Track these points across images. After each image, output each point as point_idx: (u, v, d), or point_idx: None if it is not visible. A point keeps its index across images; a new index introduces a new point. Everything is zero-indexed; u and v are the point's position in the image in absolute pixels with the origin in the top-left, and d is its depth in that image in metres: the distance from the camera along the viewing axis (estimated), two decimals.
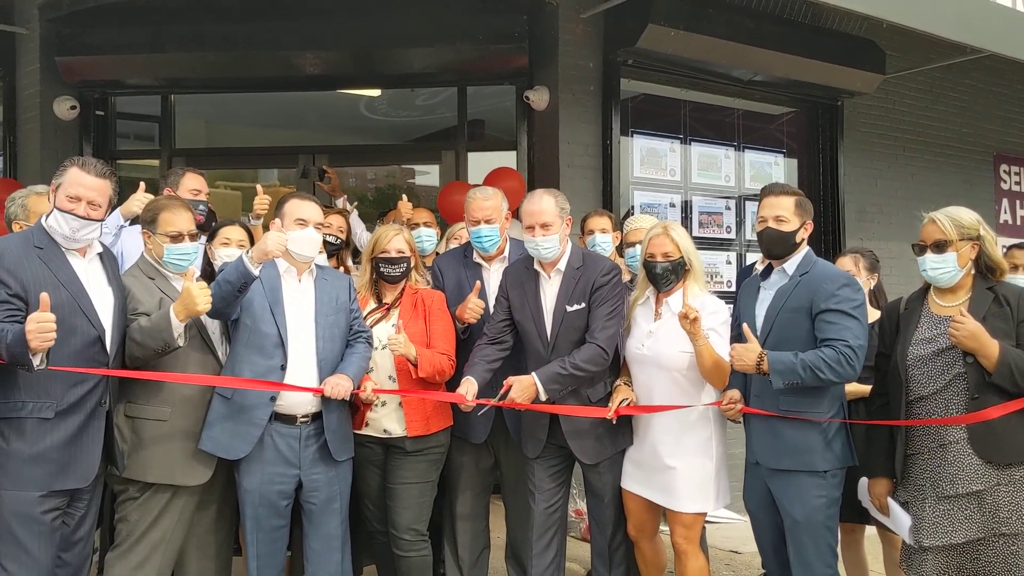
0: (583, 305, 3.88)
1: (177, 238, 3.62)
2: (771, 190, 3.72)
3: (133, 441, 3.51)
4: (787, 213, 3.62)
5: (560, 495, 4.05)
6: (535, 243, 3.89)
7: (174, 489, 3.55)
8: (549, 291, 3.95)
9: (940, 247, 3.38)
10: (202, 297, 3.32)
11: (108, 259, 3.52)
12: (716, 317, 3.74)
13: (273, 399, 3.63)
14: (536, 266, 4.01)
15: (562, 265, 3.94)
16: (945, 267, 3.39)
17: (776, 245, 3.64)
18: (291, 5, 6.03)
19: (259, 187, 4.67)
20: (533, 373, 3.82)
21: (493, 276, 4.24)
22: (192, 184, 4.54)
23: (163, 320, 3.35)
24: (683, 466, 3.75)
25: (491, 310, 4.14)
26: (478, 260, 4.33)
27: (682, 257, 3.77)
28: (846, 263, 4.48)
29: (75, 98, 6.36)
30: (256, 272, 3.47)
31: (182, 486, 3.56)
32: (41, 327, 2.97)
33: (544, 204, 3.88)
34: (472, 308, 4.10)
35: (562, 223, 3.91)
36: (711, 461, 3.78)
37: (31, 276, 3.18)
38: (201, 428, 3.60)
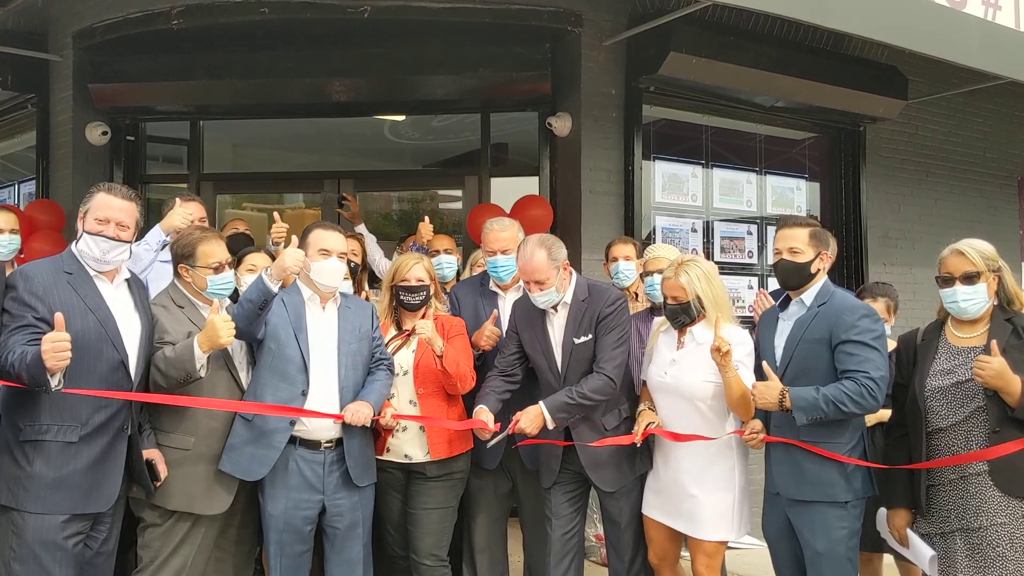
0: (590, 336, 3.89)
1: (219, 269, 3.70)
2: (785, 222, 3.75)
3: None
4: (800, 244, 3.63)
5: (577, 520, 4.06)
6: (533, 297, 3.91)
7: (195, 518, 3.59)
8: (557, 324, 3.96)
9: (971, 279, 3.40)
10: (225, 330, 3.38)
11: (136, 286, 3.57)
12: (741, 349, 3.72)
13: (292, 423, 3.67)
14: None
15: (568, 298, 3.94)
16: (977, 298, 3.40)
17: (790, 276, 3.66)
18: (317, 34, 6.11)
19: (276, 214, 4.69)
20: (541, 403, 3.83)
21: (509, 304, 4.25)
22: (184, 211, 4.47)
23: (186, 351, 3.41)
24: (706, 495, 3.74)
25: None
26: (494, 289, 4.37)
27: (689, 301, 3.73)
28: (878, 307, 4.40)
29: (106, 124, 6.47)
30: (275, 289, 3.54)
31: (202, 515, 3.60)
32: (56, 347, 2.98)
33: (536, 262, 3.79)
34: (488, 335, 4.14)
35: (557, 272, 3.84)
36: (734, 490, 3.77)
37: (59, 301, 3.21)
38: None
